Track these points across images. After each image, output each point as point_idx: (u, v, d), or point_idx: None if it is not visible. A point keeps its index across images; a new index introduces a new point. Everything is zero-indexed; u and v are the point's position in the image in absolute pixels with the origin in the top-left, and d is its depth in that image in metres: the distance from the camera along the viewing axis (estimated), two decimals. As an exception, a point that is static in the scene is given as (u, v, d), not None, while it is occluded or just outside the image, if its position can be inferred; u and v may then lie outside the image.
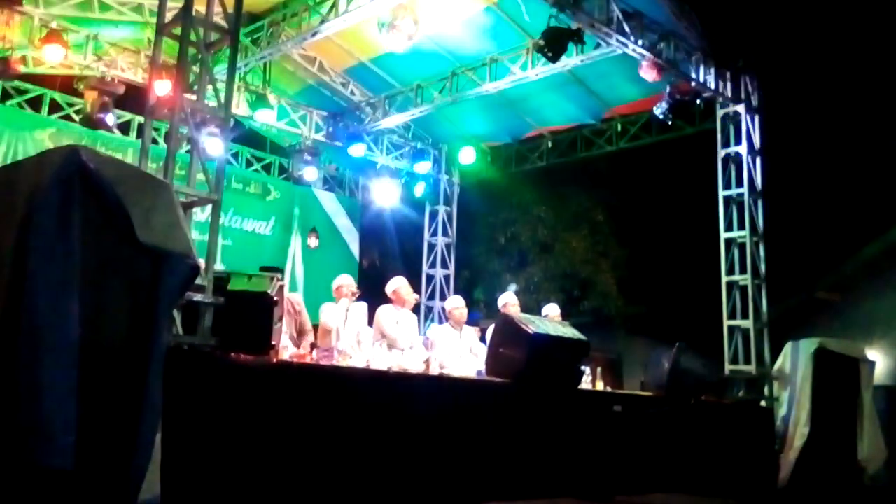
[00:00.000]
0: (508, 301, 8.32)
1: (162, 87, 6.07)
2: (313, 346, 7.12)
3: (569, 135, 11.68)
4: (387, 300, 7.64)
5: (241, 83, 10.23)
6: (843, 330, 11.79)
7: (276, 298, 5.42)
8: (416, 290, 12.06)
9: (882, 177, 14.87)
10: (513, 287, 14.92)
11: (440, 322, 11.32)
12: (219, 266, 7.17)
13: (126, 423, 3.63)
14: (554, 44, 7.80)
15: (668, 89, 9.01)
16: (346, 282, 7.49)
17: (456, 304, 8.10)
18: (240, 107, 10.22)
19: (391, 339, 7.28)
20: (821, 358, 8.35)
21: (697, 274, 12.42)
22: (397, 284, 7.74)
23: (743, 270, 9.12)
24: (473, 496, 5.38)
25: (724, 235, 9.30)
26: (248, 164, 12.27)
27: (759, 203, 9.30)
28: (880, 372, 10.38)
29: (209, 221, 5.50)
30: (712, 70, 9.22)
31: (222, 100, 5.76)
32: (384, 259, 15.97)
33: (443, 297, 12.34)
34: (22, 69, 8.97)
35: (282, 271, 7.38)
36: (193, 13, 5.67)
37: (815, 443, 8.08)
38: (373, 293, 8.21)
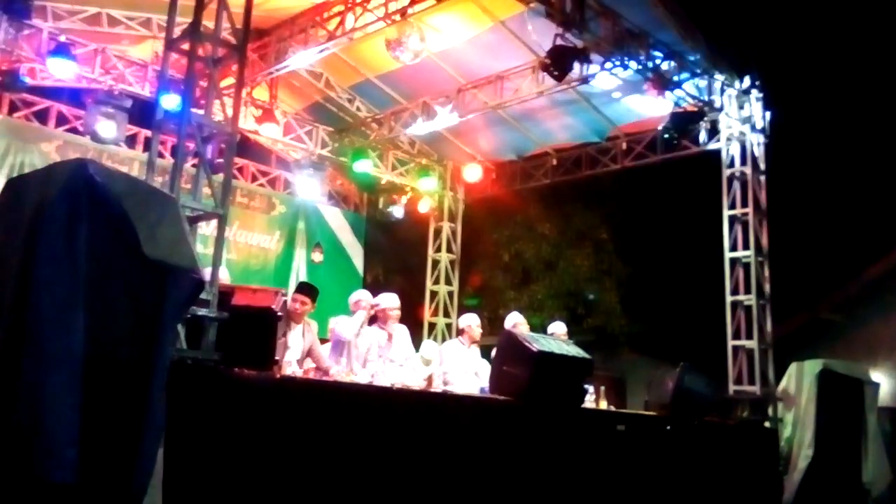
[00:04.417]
0: (517, 321, 8.26)
1: (169, 102, 6.09)
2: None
3: (574, 153, 11.68)
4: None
5: (247, 98, 10.27)
6: (848, 351, 11.77)
7: (279, 314, 5.42)
8: (420, 306, 12.13)
9: (887, 197, 14.88)
10: (514, 305, 14.90)
11: (443, 340, 11.30)
12: (226, 279, 7.19)
13: (129, 437, 3.63)
14: (560, 62, 7.81)
15: (673, 108, 9.03)
16: (365, 296, 7.47)
17: (472, 322, 8.04)
18: (246, 122, 10.26)
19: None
20: (825, 379, 8.32)
21: (701, 293, 12.42)
22: (380, 300, 7.56)
23: (747, 290, 9.09)
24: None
25: (728, 255, 9.28)
26: (254, 178, 12.28)
27: (764, 223, 9.28)
28: (885, 394, 10.34)
29: (214, 235, 5.51)
30: (718, 90, 9.24)
31: (229, 115, 5.78)
32: (388, 275, 15.97)
33: (446, 314, 12.32)
34: (30, 82, 9.01)
35: (318, 292, 7.33)
36: (202, 29, 5.70)
37: (820, 464, 8.05)
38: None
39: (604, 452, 6.29)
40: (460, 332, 8.24)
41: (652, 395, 7.79)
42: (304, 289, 7.40)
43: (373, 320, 7.45)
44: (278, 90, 10.84)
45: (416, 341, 8.21)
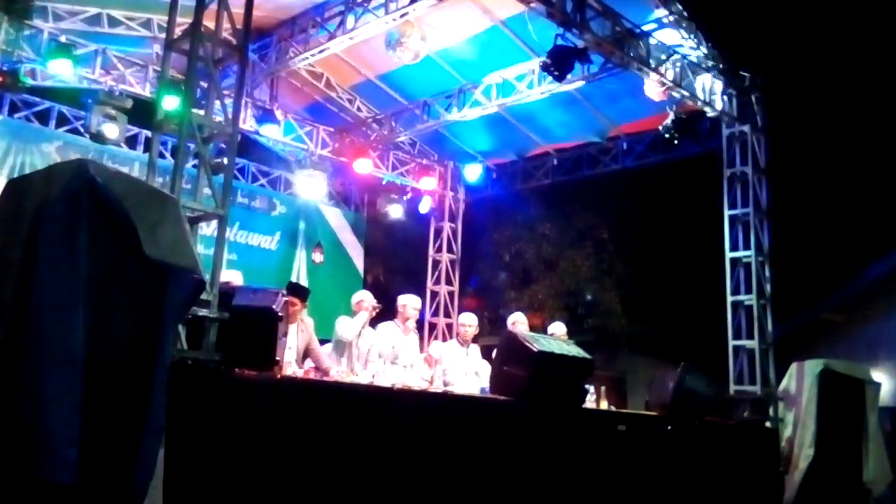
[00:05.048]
0: (518, 320, 8.22)
1: (170, 102, 6.09)
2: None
3: (574, 153, 11.69)
4: (391, 316, 7.60)
5: (248, 98, 10.26)
6: (848, 351, 11.75)
7: (280, 314, 5.41)
8: (421, 306, 12.13)
9: (888, 197, 14.87)
10: (514, 305, 14.91)
11: (443, 340, 11.30)
12: (239, 281, 7.19)
13: (129, 438, 3.62)
14: (560, 63, 7.82)
15: (673, 108, 9.03)
16: (367, 297, 7.46)
17: (465, 322, 8.01)
18: (246, 122, 10.25)
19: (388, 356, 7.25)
20: (826, 379, 8.30)
21: (702, 293, 12.41)
22: (402, 299, 7.67)
23: (748, 290, 9.10)
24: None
25: (729, 255, 9.29)
26: (254, 178, 12.29)
27: (765, 223, 9.29)
28: (885, 393, 10.32)
29: (215, 236, 5.51)
30: (718, 89, 9.25)
31: (230, 115, 5.78)
32: (389, 275, 15.98)
33: (447, 314, 12.33)
34: (30, 82, 9.00)
35: (309, 291, 7.35)
36: (202, 29, 5.70)
37: (821, 464, 8.03)
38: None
39: (604, 452, 6.28)
40: (457, 333, 8.26)
41: (652, 395, 7.77)
42: (292, 289, 7.39)
43: (375, 320, 7.45)
44: (279, 90, 10.84)
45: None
